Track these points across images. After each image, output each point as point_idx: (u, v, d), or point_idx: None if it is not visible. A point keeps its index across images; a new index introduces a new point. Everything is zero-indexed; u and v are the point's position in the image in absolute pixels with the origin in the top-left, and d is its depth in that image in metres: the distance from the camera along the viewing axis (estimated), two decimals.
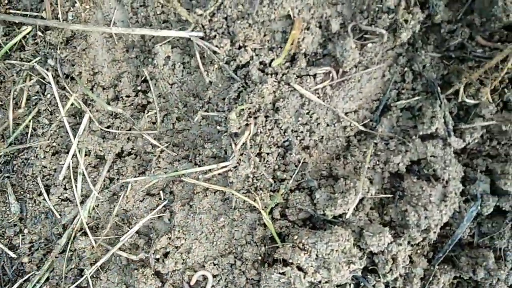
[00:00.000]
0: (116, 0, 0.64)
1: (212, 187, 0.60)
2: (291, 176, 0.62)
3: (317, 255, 0.54)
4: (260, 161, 0.61)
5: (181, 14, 0.61)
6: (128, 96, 0.65)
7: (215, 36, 0.62)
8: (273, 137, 0.62)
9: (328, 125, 0.63)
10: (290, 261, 0.54)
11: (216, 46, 0.61)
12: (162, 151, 0.64)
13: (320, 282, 0.54)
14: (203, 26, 0.62)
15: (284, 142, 0.62)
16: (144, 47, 0.65)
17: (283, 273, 0.54)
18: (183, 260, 0.60)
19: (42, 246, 0.66)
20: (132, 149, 0.65)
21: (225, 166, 0.60)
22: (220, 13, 0.62)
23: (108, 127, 0.64)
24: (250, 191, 0.61)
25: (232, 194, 0.60)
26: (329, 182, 0.61)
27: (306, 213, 0.61)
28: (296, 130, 0.62)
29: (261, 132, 0.61)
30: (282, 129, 0.62)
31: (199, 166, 0.62)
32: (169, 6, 0.62)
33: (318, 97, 0.61)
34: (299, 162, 0.62)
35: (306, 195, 0.61)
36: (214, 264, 0.60)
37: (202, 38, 0.62)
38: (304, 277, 0.54)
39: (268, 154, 0.62)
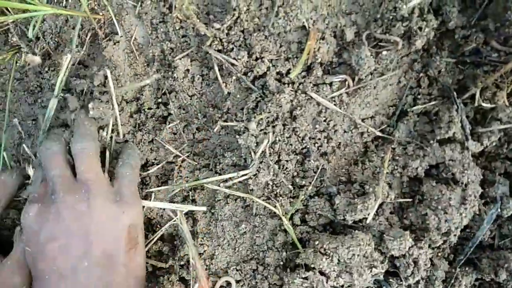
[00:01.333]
0: (136, 17, 0.67)
1: (234, 193, 0.61)
2: (310, 183, 0.63)
3: (339, 260, 0.55)
4: (279, 168, 0.63)
5: (200, 29, 0.63)
6: (150, 109, 0.68)
7: (232, 48, 0.64)
8: (291, 144, 0.63)
9: (345, 131, 0.64)
10: (312, 266, 0.56)
11: (234, 58, 0.63)
12: (183, 161, 0.66)
13: (342, 286, 0.55)
14: (220, 40, 0.64)
15: (302, 149, 0.64)
16: (164, 61, 0.67)
17: (306, 278, 0.55)
18: (207, 266, 0.62)
19: None
20: (155, 159, 0.68)
21: (245, 174, 0.62)
22: (237, 27, 0.63)
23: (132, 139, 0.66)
24: (270, 198, 0.63)
25: (253, 201, 0.62)
26: (348, 187, 0.63)
27: (326, 219, 0.62)
28: (313, 137, 0.63)
29: (279, 140, 0.63)
30: (300, 137, 0.63)
31: (220, 174, 0.64)
32: (188, 22, 0.64)
33: (334, 104, 0.63)
34: (318, 168, 0.63)
35: (325, 201, 0.62)
36: (237, 270, 0.62)
37: (220, 51, 0.64)
38: (327, 282, 0.55)
39: (287, 161, 0.63)
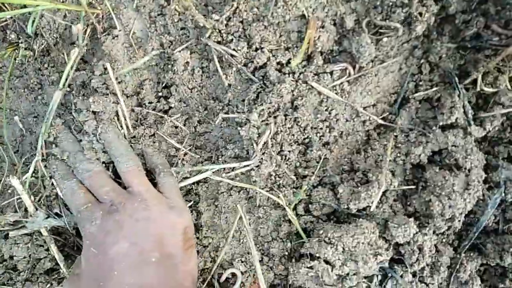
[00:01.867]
0: (134, 10, 0.66)
1: (238, 184, 0.61)
2: (313, 173, 0.63)
3: (343, 248, 0.55)
4: (281, 159, 0.63)
5: (199, 21, 0.63)
6: (150, 103, 0.67)
7: (232, 40, 0.63)
8: (293, 135, 0.63)
9: (347, 120, 0.64)
10: (317, 255, 0.56)
11: (234, 50, 0.63)
12: (185, 154, 0.66)
13: (348, 274, 0.55)
14: (220, 31, 0.63)
15: (304, 139, 0.64)
16: (163, 54, 0.67)
17: (311, 267, 0.55)
18: (212, 258, 0.62)
19: None
20: None
21: (248, 165, 0.62)
22: (236, 17, 0.63)
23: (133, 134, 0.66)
24: (273, 189, 0.63)
25: (256, 192, 0.62)
26: (351, 176, 0.63)
27: (329, 208, 0.62)
28: (315, 127, 0.63)
29: (281, 131, 0.63)
30: (301, 127, 0.63)
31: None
32: (187, 14, 0.64)
33: (336, 93, 0.62)
34: (320, 158, 0.63)
35: (329, 190, 0.62)
36: (242, 261, 0.62)
37: (219, 43, 0.64)
38: (332, 270, 0.55)
39: (289, 152, 0.63)
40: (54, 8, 0.62)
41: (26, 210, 0.58)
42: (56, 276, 0.58)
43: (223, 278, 0.60)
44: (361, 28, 0.62)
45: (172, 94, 0.67)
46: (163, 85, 0.68)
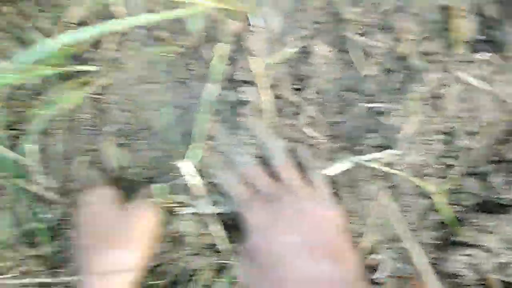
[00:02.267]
0: (273, 6, 0.69)
1: (384, 169, 0.62)
2: (459, 162, 0.63)
3: (503, 237, 0.55)
4: (426, 148, 0.63)
5: (339, 13, 0.65)
6: (287, 95, 0.70)
7: (371, 31, 0.65)
8: (437, 124, 0.63)
9: (492, 110, 0.63)
10: (475, 243, 0.56)
11: (375, 40, 0.64)
12: (324, 144, 0.68)
13: (509, 263, 0.55)
14: (359, 23, 0.65)
15: (448, 129, 0.64)
16: (300, 48, 0.70)
17: (468, 255, 0.56)
18: (355, 243, 0.64)
19: None
20: (295, 142, 0.70)
21: (391, 154, 0.63)
22: (375, 8, 0.64)
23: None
24: (418, 178, 0.63)
25: (400, 181, 0.63)
26: (501, 166, 0.62)
27: (478, 198, 0.61)
28: (460, 116, 0.63)
29: (425, 120, 0.63)
30: (446, 116, 0.63)
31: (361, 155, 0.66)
32: (325, 7, 0.66)
33: (480, 82, 0.62)
34: (466, 148, 0.63)
35: (478, 180, 0.61)
36: (387, 249, 0.63)
37: (358, 34, 0.66)
38: (491, 258, 0.55)
39: (433, 141, 0.63)
40: (214, 7, 0.66)
41: (192, 194, 0.62)
42: (218, 252, 0.62)
43: (370, 263, 0.62)
44: (505, 16, 0.61)
45: (308, 86, 0.70)
46: (299, 77, 0.70)
